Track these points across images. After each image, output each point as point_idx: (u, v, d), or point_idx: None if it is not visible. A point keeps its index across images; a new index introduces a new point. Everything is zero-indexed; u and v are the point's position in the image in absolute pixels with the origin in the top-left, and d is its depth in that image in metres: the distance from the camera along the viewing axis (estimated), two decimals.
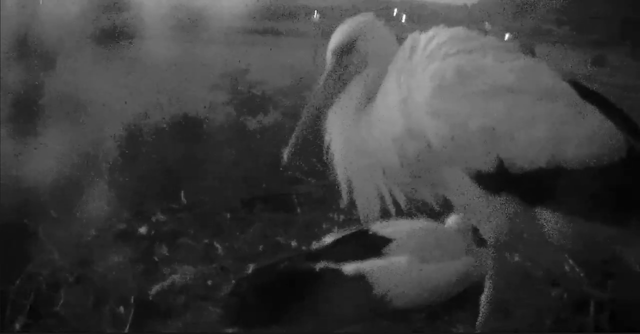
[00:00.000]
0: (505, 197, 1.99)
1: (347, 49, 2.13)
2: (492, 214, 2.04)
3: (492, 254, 2.14)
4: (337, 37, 2.15)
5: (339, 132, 2.12)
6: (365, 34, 2.13)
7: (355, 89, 2.13)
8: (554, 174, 1.93)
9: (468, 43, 2.07)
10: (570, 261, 2.92)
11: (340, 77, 2.14)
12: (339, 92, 2.14)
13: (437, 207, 2.26)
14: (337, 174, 2.16)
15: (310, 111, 2.17)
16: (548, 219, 2.01)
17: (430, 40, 2.08)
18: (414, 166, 2.05)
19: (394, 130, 2.02)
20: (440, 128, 1.95)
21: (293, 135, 2.17)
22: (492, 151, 1.93)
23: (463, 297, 2.65)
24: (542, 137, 1.92)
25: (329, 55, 2.16)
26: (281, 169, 2.25)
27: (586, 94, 2.05)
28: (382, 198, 2.14)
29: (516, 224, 2.04)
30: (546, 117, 1.94)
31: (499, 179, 1.95)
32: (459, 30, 2.13)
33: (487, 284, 2.18)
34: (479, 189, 1.99)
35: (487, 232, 2.11)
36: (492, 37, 2.23)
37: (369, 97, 2.11)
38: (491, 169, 1.94)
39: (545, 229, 2.03)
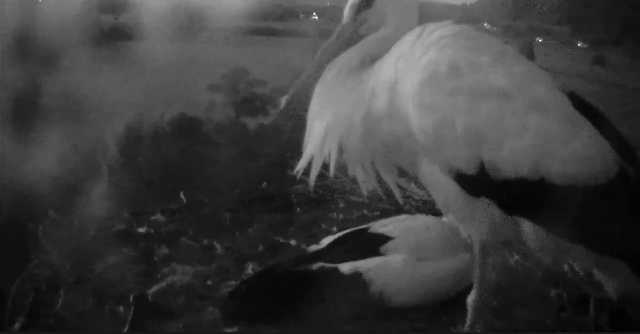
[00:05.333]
0: (484, 201, 1.95)
1: (366, 4, 2.12)
2: (474, 215, 2.00)
3: (478, 255, 2.11)
4: None
5: (325, 83, 2.11)
6: None
7: (366, 46, 2.12)
8: (537, 187, 1.87)
9: (470, 41, 2.03)
10: (570, 261, 2.91)
11: (356, 32, 2.14)
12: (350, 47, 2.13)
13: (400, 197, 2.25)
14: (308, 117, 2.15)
15: (320, 61, 2.15)
16: (527, 229, 1.97)
17: (434, 32, 2.05)
18: (379, 149, 2.04)
19: (375, 107, 2.01)
20: (424, 119, 1.91)
21: (297, 82, 2.16)
22: (475, 152, 1.88)
23: (463, 297, 2.65)
24: (527, 147, 1.86)
25: (347, 10, 2.16)
26: (278, 114, 2.23)
27: (584, 108, 1.98)
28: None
29: (498, 229, 2.00)
30: (535, 127, 1.87)
31: (479, 183, 1.90)
32: (467, 28, 2.10)
33: (475, 286, 2.17)
34: (458, 189, 1.95)
35: (470, 233, 2.08)
36: (499, 40, 2.19)
37: (376, 57, 2.10)
38: (472, 171, 1.89)
39: (526, 239, 1.99)
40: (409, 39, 2.06)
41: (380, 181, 2.21)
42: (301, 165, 2.17)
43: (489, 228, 2.00)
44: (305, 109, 2.19)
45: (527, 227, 1.97)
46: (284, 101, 2.17)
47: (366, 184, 2.18)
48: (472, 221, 2.02)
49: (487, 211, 1.97)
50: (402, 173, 2.21)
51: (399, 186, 2.25)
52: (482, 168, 1.89)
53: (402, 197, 2.29)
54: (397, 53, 2.04)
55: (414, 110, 1.92)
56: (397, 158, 2.09)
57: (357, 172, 2.16)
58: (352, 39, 2.15)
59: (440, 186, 2.00)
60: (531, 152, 1.87)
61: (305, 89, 2.15)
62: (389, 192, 2.28)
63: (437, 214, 3.31)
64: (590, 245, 1.95)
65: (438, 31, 2.04)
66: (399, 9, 2.13)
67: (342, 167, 2.16)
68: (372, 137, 2.04)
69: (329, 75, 2.12)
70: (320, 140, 2.10)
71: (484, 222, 2.00)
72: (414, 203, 3.58)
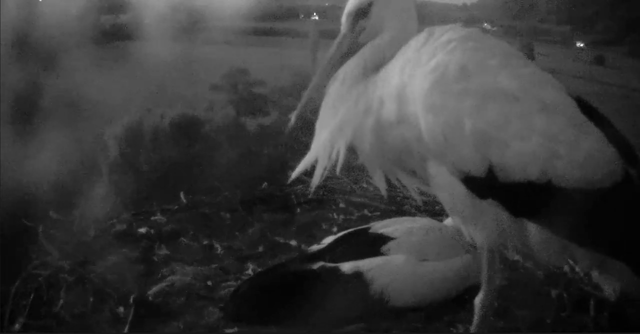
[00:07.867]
0: (491, 203, 1.95)
1: (362, 12, 2.12)
2: (480, 217, 2.00)
3: (486, 256, 2.11)
4: (353, 0, 2.13)
5: (329, 95, 2.12)
6: None
7: (366, 54, 2.12)
8: (543, 189, 1.87)
9: (478, 43, 2.03)
10: (570, 261, 2.92)
11: (355, 42, 2.14)
12: (352, 56, 2.13)
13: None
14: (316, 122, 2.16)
15: (322, 73, 2.16)
16: (533, 231, 1.97)
17: (441, 36, 2.04)
18: (390, 154, 2.05)
19: (384, 114, 2.01)
20: (432, 121, 1.91)
21: (303, 97, 2.16)
22: (483, 154, 1.88)
23: (463, 297, 2.65)
24: (534, 149, 1.86)
25: (343, 19, 2.15)
26: (287, 131, 2.21)
27: (590, 111, 1.99)
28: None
29: (504, 231, 2.00)
30: (542, 130, 1.87)
31: (486, 185, 1.90)
32: (474, 31, 2.10)
33: (483, 287, 2.16)
34: (466, 190, 1.95)
35: (476, 234, 2.07)
36: (505, 42, 2.19)
37: (378, 64, 2.09)
38: (480, 173, 1.89)
39: (531, 240, 1.99)
40: (414, 44, 2.06)
41: (389, 183, 2.22)
42: (297, 171, 2.17)
43: (495, 230, 2.00)
44: (309, 110, 2.19)
45: (533, 229, 1.97)
46: (293, 118, 2.16)
47: (384, 188, 2.19)
48: (478, 222, 2.02)
49: (493, 212, 1.97)
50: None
51: (419, 190, 2.25)
52: (490, 170, 1.89)
53: (410, 199, 2.30)
54: (402, 59, 2.04)
55: (423, 112, 1.92)
56: (406, 162, 2.09)
57: (376, 176, 2.17)
58: (352, 48, 2.14)
59: (448, 187, 2.00)
60: (538, 154, 1.87)
61: (311, 102, 2.16)
62: (388, 193, 2.28)
63: (437, 214, 3.31)
64: (595, 247, 1.96)
65: (445, 35, 2.04)
66: (396, 15, 2.12)
67: (343, 168, 2.17)
68: (383, 144, 2.05)
69: (333, 87, 2.12)
70: (326, 145, 2.10)
71: (490, 224, 2.00)
72: (414, 203, 3.58)
